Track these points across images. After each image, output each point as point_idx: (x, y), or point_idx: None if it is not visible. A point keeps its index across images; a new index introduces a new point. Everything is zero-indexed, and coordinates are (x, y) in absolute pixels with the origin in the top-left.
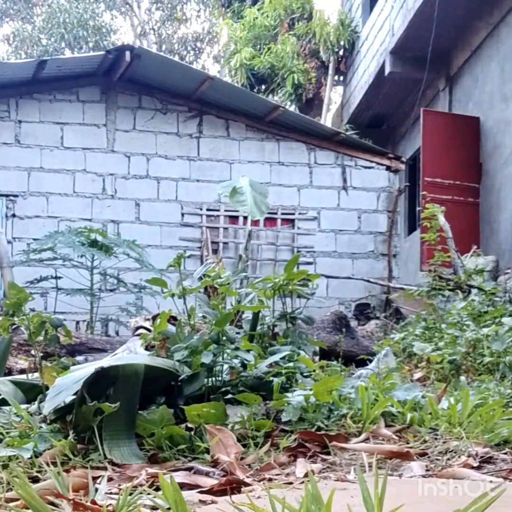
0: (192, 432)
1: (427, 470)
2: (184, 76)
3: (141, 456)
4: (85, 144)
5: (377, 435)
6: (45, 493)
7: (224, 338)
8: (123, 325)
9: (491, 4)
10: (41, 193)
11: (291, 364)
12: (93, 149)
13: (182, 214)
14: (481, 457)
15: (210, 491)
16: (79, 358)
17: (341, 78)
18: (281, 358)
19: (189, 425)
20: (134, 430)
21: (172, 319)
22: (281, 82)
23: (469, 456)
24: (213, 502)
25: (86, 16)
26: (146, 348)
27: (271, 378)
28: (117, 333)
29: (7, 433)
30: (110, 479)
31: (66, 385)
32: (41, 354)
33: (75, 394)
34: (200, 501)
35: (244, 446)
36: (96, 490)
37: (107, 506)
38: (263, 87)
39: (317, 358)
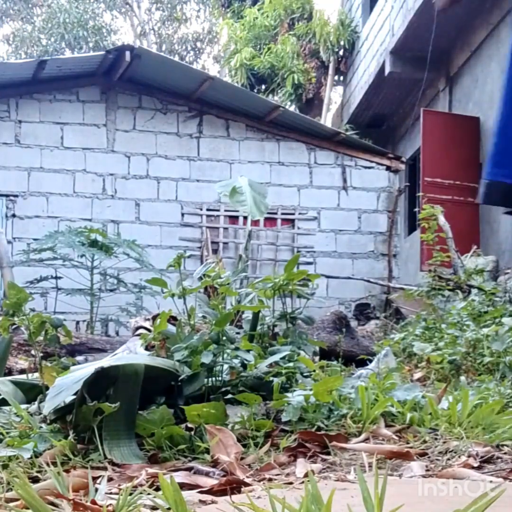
0: (192, 432)
1: (427, 470)
2: (184, 76)
3: (141, 456)
4: (85, 144)
5: (377, 435)
6: (45, 493)
7: (224, 338)
8: (123, 325)
9: (491, 4)
10: (41, 193)
11: (291, 364)
12: (93, 149)
13: (182, 214)
14: (481, 457)
15: (210, 491)
16: (79, 358)
17: (341, 78)
18: (281, 358)
19: (189, 425)
20: (134, 430)
21: (172, 319)
22: (281, 82)
23: (469, 456)
24: (213, 502)
25: (86, 16)
26: (146, 348)
27: (271, 378)
28: (117, 333)
29: (7, 433)
30: (110, 479)
31: (66, 385)
32: (41, 354)
33: (75, 394)
34: (200, 501)
35: (244, 446)
36: (96, 490)
37: (107, 506)
38: (263, 87)
39: (317, 358)
